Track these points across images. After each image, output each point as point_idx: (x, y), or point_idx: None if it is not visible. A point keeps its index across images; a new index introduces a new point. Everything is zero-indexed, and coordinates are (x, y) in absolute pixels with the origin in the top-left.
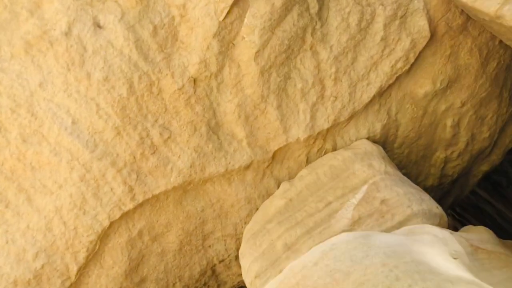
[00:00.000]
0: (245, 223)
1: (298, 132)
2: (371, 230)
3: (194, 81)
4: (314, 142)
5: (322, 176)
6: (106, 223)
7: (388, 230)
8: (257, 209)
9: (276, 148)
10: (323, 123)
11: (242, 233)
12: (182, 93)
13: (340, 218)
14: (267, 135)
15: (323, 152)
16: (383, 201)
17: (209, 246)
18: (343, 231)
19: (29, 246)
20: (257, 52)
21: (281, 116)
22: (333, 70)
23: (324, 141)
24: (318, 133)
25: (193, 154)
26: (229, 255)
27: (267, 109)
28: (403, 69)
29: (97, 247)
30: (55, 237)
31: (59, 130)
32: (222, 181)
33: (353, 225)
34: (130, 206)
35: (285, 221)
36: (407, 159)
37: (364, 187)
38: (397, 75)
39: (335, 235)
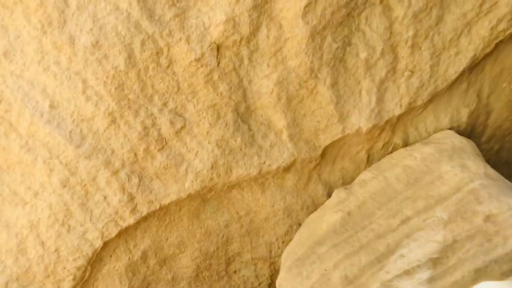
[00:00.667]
0: (283, 243)
1: (360, 120)
2: (474, 259)
3: (218, 48)
4: (379, 134)
5: (393, 181)
6: (98, 243)
7: (500, 260)
8: (300, 224)
9: (327, 143)
10: (393, 108)
11: (279, 256)
12: (201, 66)
13: (425, 241)
14: (316, 125)
15: (391, 148)
16: (488, 218)
17: (235, 272)
18: (430, 259)
19: None
20: (307, 6)
21: (337, 98)
22: (411, 33)
23: (392, 132)
24: (386, 122)
25: (215, 150)
26: (260, 283)
27: (317, 88)
28: (507, 33)
29: (87, 275)
30: (31, 261)
31: (32, 117)
32: (254, 187)
33: (446, 252)
34: (130, 220)
35: (343, 243)
36: (496, 157)
37: (458, 197)
38: (497, 40)
39: (419, 265)
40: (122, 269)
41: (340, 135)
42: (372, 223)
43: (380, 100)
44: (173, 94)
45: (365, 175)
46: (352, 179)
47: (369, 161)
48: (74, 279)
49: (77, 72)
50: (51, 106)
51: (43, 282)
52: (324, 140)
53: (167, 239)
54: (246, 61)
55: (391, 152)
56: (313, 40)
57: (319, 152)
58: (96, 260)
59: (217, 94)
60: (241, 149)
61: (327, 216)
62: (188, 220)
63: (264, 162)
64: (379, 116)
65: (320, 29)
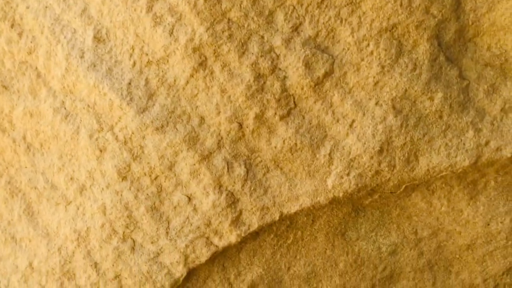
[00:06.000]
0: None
1: None
2: None
3: None
4: None
5: None
6: (180, 272)
7: None
8: None
9: None
10: None
11: None
12: None
13: None
14: None
15: None
16: None
17: None
18: None
19: None
20: None
21: None
22: None
23: None
24: None
25: (389, 117)
26: None
27: None
28: None
29: None
30: None
31: (69, 59)
32: (455, 190)
33: None
34: (231, 237)
35: None
36: None
37: None
38: None
39: None
40: None
41: None
42: None
43: None
44: (313, 9)
45: None
46: None
47: None
48: None
49: None
50: (97, 38)
51: None
52: None
53: (288, 268)
54: None
55: None
56: None
57: None
58: None
59: (399, 4)
60: (440, 117)
61: None
62: (326, 240)
63: (487, 143)
64: None
65: None
